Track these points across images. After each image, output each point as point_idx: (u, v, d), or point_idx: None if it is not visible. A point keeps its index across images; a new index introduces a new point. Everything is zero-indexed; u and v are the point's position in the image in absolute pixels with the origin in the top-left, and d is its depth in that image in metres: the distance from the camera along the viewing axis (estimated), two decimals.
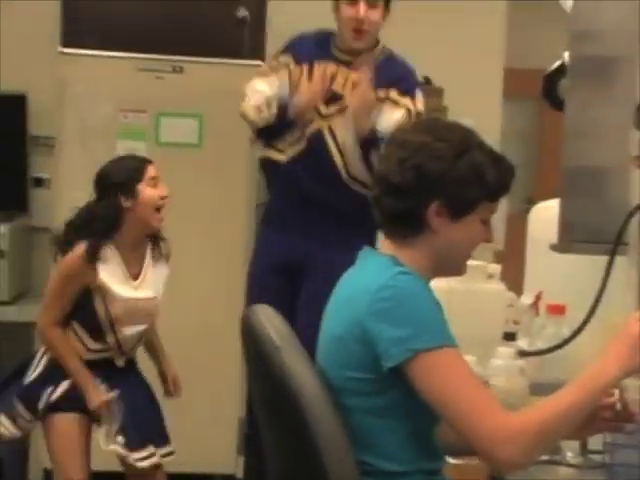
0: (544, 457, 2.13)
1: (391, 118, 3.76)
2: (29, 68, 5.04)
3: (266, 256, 3.97)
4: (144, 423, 3.54)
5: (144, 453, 3.47)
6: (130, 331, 3.51)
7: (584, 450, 2.20)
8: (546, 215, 3.12)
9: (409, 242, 2.08)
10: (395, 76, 3.87)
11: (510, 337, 2.91)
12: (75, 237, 3.48)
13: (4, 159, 5.17)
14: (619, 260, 2.79)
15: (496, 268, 3.24)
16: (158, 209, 3.47)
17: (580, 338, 2.75)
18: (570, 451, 2.20)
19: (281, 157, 3.88)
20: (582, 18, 2.86)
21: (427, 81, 5.32)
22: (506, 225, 5.20)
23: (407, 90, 3.86)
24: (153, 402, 3.65)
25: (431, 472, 2.02)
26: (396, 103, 3.82)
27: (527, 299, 3.15)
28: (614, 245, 2.63)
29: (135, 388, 3.60)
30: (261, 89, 3.88)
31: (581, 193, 2.85)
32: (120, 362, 3.55)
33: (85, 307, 3.49)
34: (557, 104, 3.16)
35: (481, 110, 5.37)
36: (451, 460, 2.21)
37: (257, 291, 3.92)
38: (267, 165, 4.01)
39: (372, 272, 2.04)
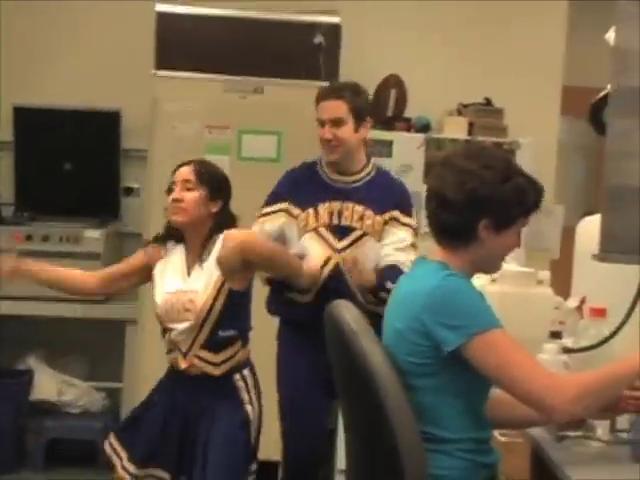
0: (578, 433, 2.48)
1: (396, 235, 3.87)
2: (124, 87, 5.46)
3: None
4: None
5: None
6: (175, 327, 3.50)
7: (613, 428, 2.54)
8: (591, 228, 3.43)
9: (458, 250, 2.48)
10: (395, 197, 3.95)
11: (556, 335, 3.27)
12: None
13: (99, 170, 5.59)
14: None
15: (546, 275, 3.57)
16: (173, 209, 3.51)
17: (618, 338, 3.08)
18: (601, 429, 2.54)
19: (304, 298, 3.84)
20: (623, 50, 3.16)
21: (488, 102, 5.63)
22: (562, 236, 5.49)
23: (407, 210, 3.94)
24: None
25: (480, 440, 2.39)
26: (400, 223, 3.91)
27: (573, 303, 3.49)
28: None
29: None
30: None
31: (620, 209, 3.15)
32: (182, 364, 3.48)
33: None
34: (602, 130, 3.43)
35: (539, 128, 5.67)
36: (497, 434, 2.58)
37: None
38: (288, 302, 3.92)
39: (425, 276, 2.43)
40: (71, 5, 5.65)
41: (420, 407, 2.36)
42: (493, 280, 3.41)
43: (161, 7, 5.11)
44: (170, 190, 3.56)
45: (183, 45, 5.10)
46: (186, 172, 3.55)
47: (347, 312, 2.42)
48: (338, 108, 3.85)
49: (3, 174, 5.62)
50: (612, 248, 3.17)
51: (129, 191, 5.67)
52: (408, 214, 3.94)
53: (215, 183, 3.58)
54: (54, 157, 5.56)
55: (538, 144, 5.49)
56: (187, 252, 3.59)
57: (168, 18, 5.11)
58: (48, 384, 5.41)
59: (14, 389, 5.30)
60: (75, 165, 5.56)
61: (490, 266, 2.60)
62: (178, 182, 3.54)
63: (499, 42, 5.80)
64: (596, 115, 3.51)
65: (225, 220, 3.56)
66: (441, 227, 2.50)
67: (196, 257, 3.54)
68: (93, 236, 5.28)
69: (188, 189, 3.52)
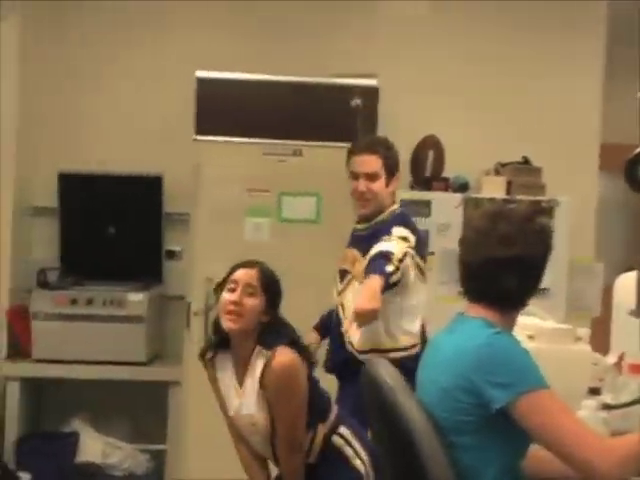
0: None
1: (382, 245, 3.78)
2: (166, 153, 5.57)
3: None
4: None
5: None
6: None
7: None
8: (629, 284, 3.44)
9: (503, 311, 2.54)
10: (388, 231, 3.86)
11: (595, 392, 3.27)
12: None
13: (142, 234, 5.67)
14: None
15: (584, 332, 3.58)
16: (229, 312, 3.27)
17: None
18: None
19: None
20: None
21: (525, 161, 5.67)
22: (603, 295, 5.47)
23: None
24: None
25: None
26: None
27: (611, 359, 3.49)
28: None
29: None
30: None
31: None
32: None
33: None
34: (637, 187, 3.46)
35: (578, 186, 5.71)
36: None
37: None
38: None
39: (470, 333, 2.47)
40: (113, 71, 5.79)
41: (460, 465, 2.37)
42: (530, 337, 3.43)
43: (201, 73, 5.22)
44: (221, 289, 3.34)
45: (223, 110, 5.19)
46: (250, 276, 3.32)
47: (384, 369, 2.45)
48: (373, 162, 3.93)
49: (49, 239, 5.71)
50: None
51: (172, 254, 5.74)
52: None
53: (275, 292, 3.36)
54: (98, 222, 5.66)
55: (577, 202, 5.51)
56: (235, 362, 3.39)
57: (208, 84, 5.21)
58: (93, 446, 5.46)
59: (60, 451, 5.35)
60: (119, 229, 5.65)
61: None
62: (240, 284, 3.30)
63: (535, 101, 5.86)
64: (631, 172, 3.54)
65: (274, 329, 3.32)
66: (502, 292, 2.53)
67: (244, 369, 3.34)
68: (136, 299, 5.34)
69: (250, 294, 3.30)
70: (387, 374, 2.43)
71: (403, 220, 3.91)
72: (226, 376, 3.40)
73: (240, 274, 3.32)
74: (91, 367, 5.24)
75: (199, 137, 5.17)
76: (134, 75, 5.80)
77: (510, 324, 2.56)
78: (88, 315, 5.31)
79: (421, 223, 5.05)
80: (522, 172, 5.58)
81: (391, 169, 3.97)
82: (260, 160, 5.12)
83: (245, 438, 3.44)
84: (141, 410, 5.66)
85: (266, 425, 3.31)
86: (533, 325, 3.52)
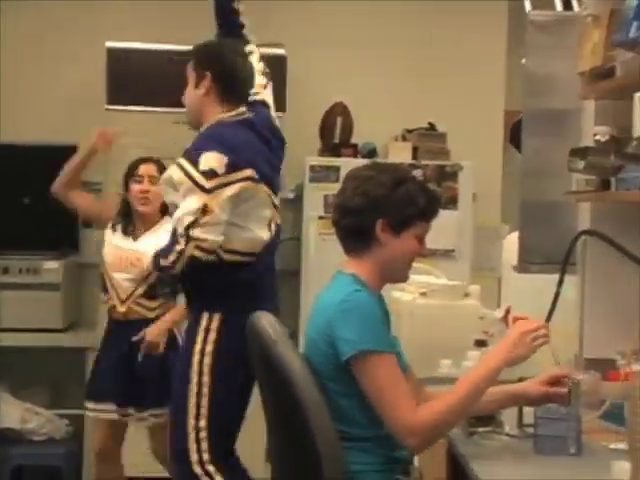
0: (487, 428, 2.67)
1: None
2: (79, 122, 5.59)
3: None
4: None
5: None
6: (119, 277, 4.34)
7: (520, 423, 2.72)
8: (514, 242, 3.65)
9: (363, 256, 2.65)
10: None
11: (481, 344, 3.47)
12: None
13: (58, 202, 5.71)
14: (574, 278, 3.32)
15: (474, 288, 3.77)
16: (142, 199, 4.35)
17: None
18: (508, 424, 2.72)
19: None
20: (534, 76, 3.39)
21: (431, 127, 5.84)
22: None
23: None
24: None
25: (390, 436, 2.53)
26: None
27: (499, 313, 3.70)
28: (562, 264, 3.05)
29: None
30: None
31: (536, 223, 3.37)
32: (121, 308, 4.35)
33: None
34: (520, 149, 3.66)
35: (482, 152, 5.87)
36: None
37: None
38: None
39: (337, 289, 2.61)
40: (26, 42, 5.84)
41: (334, 407, 2.52)
42: (422, 294, 3.62)
43: (110, 43, 5.35)
44: (130, 182, 4.37)
45: (133, 80, 5.35)
46: (152, 169, 4.37)
47: (268, 323, 2.59)
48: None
49: None
50: (529, 259, 3.41)
51: (87, 223, 5.79)
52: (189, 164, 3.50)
53: None
54: (13, 191, 5.72)
55: (482, 167, 5.69)
56: (133, 226, 4.42)
57: (118, 53, 5.36)
58: (12, 413, 5.52)
59: None
60: (34, 199, 5.71)
61: (396, 272, 2.71)
62: (145, 176, 4.35)
63: (441, 67, 6.00)
64: (515, 136, 3.73)
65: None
66: (344, 233, 2.69)
67: (143, 229, 4.38)
68: (52, 267, 5.43)
69: (153, 183, 4.30)
70: (271, 328, 2.57)
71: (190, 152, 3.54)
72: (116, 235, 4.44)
73: (143, 169, 4.38)
74: (8, 334, 5.32)
75: (110, 107, 5.27)
76: (47, 46, 5.86)
77: (379, 277, 2.67)
78: (4, 283, 5.39)
79: (330, 188, 5.21)
80: (427, 138, 5.75)
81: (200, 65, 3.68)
82: (170, 128, 5.19)
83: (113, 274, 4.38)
84: (59, 376, 5.73)
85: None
86: (426, 282, 3.72)
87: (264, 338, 2.55)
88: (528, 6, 3.34)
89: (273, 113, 3.93)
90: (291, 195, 5.76)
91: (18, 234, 5.72)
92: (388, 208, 2.62)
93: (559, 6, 3.37)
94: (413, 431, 2.44)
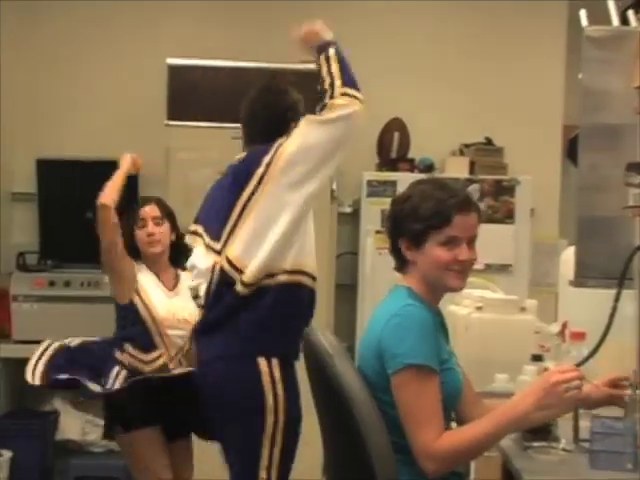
0: (543, 443, 2.66)
1: None
2: (139, 138, 5.62)
3: None
4: None
5: None
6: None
7: (576, 438, 2.71)
8: (571, 256, 3.63)
9: (407, 273, 2.70)
10: None
11: (537, 359, 3.46)
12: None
13: (119, 217, 5.76)
14: (631, 293, 3.28)
15: (531, 303, 3.77)
16: (149, 243, 4.18)
17: (597, 359, 3.26)
18: (565, 439, 2.72)
19: None
20: (590, 91, 3.36)
21: (489, 142, 5.84)
22: None
23: None
24: None
25: None
26: None
27: (555, 328, 3.68)
28: (619, 279, 3.02)
29: None
30: None
31: (593, 238, 3.34)
32: (171, 365, 4.05)
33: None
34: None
35: (540, 166, 5.87)
36: None
37: None
38: None
39: (392, 303, 2.63)
40: (89, 59, 6.00)
41: (386, 418, 2.52)
42: (478, 308, 3.62)
43: (172, 60, 5.40)
44: (135, 227, 4.17)
45: (193, 96, 5.40)
46: (154, 210, 4.22)
47: (324, 337, 2.62)
48: None
49: (28, 224, 5.88)
50: (586, 274, 3.38)
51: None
52: None
53: (173, 214, 4.28)
54: (76, 207, 5.75)
55: (539, 181, 5.68)
56: (158, 277, 4.20)
57: (179, 70, 5.41)
58: (73, 424, 5.62)
59: (40, 430, 5.52)
60: (96, 213, 5.76)
61: (438, 282, 2.66)
62: (149, 219, 4.19)
63: (499, 82, 6.03)
64: (572, 150, 3.71)
65: (181, 249, 3.99)
66: (390, 252, 2.74)
67: (170, 284, 4.20)
68: None
69: (157, 224, 4.19)
70: (327, 342, 2.59)
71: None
72: (148, 278, 4.18)
73: (145, 211, 4.22)
74: None
75: (170, 122, 5.33)
76: (109, 63, 5.98)
77: (426, 287, 2.66)
78: (66, 297, 5.47)
79: (387, 203, 5.17)
80: (485, 152, 5.76)
81: None
82: (229, 143, 5.24)
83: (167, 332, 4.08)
84: None
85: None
86: (481, 297, 3.72)
87: (320, 352, 2.57)
88: (584, 21, 3.32)
89: None
90: (348, 210, 5.80)
91: (80, 248, 5.78)
92: (401, 228, 2.65)
93: (616, 21, 3.34)
94: (431, 456, 2.44)
